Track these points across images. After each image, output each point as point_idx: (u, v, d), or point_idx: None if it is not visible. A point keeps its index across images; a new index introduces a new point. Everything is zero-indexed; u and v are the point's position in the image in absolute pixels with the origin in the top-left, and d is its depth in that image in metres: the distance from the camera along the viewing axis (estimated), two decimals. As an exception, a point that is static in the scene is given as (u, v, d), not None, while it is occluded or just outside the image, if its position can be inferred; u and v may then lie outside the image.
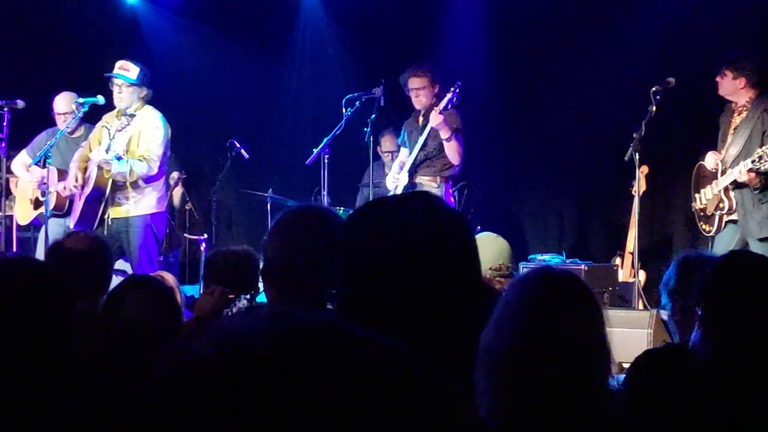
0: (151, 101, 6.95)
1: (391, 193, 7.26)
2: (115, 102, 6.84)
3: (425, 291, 1.57)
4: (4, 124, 7.06)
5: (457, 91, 6.97)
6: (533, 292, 1.70)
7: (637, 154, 6.50)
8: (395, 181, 7.27)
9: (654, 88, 6.52)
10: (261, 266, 2.66)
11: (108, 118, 6.98)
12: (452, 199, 7.28)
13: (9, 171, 7.46)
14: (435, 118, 6.88)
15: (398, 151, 8.35)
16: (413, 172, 7.14)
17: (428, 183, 7.08)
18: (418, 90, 7.13)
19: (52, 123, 7.48)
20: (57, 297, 2.28)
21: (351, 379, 0.83)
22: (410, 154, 7.20)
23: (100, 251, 3.81)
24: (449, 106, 6.96)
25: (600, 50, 8.36)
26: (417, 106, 7.23)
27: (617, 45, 8.29)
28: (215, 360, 0.85)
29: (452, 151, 6.98)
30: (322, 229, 2.51)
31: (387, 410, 0.83)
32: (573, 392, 1.65)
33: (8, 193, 7.64)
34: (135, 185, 6.73)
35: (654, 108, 6.45)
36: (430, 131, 7.01)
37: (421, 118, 7.24)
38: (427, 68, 7.18)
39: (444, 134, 6.92)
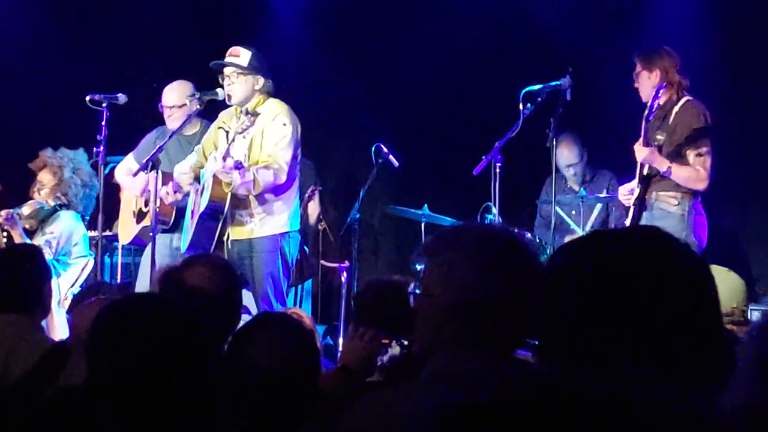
0: (277, 96, 6.99)
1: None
2: (228, 96, 6.91)
3: (652, 346, 1.67)
4: (103, 123, 7.16)
5: None
6: None
7: None
8: (626, 195, 6.96)
9: None
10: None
11: (225, 118, 7.07)
12: (693, 221, 6.83)
13: (111, 180, 7.58)
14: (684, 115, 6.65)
15: (580, 162, 8.12)
16: (647, 184, 6.85)
17: (665, 199, 6.79)
18: (636, 80, 6.90)
19: (160, 120, 7.59)
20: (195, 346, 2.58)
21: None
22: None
23: (231, 291, 3.88)
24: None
25: None
26: (643, 98, 6.90)
27: None
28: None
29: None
30: (514, 258, 2.49)
31: None
32: None
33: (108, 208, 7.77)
34: (260, 199, 6.74)
35: None
36: (672, 130, 6.72)
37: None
38: (644, 50, 6.92)
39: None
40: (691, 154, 6.73)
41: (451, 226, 2.49)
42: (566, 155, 8.09)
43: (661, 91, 6.76)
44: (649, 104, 6.69)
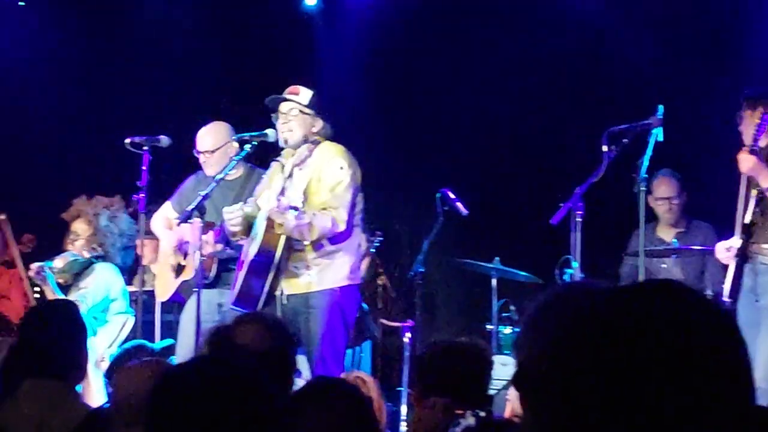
0: (333, 140, 7.01)
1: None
2: (282, 137, 6.90)
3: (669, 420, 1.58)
4: (144, 168, 7.16)
5: None
6: None
7: None
8: (725, 253, 6.86)
9: None
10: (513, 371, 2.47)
11: (285, 154, 7.05)
12: None
13: (149, 231, 7.58)
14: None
15: (677, 198, 8.03)
16: (749, 234, 6.74)
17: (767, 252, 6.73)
18: (739, 122, 6.82)
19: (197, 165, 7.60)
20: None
21: None
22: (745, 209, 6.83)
23: (284, 352, 3.99)
24: None
25: None
26: (746, 141, 6.81)
27: None
28: None
29: None
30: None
31: None
32: None
33: (139, 260, 7.75)
34: (317, 247, 6.71)
35: None
36: None
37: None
38: (752, 89, 6.87)
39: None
40: None
41: (560, 289, 2.35)
42: (663, 189, 8.08)
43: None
44: (753, 135, 6.60)
